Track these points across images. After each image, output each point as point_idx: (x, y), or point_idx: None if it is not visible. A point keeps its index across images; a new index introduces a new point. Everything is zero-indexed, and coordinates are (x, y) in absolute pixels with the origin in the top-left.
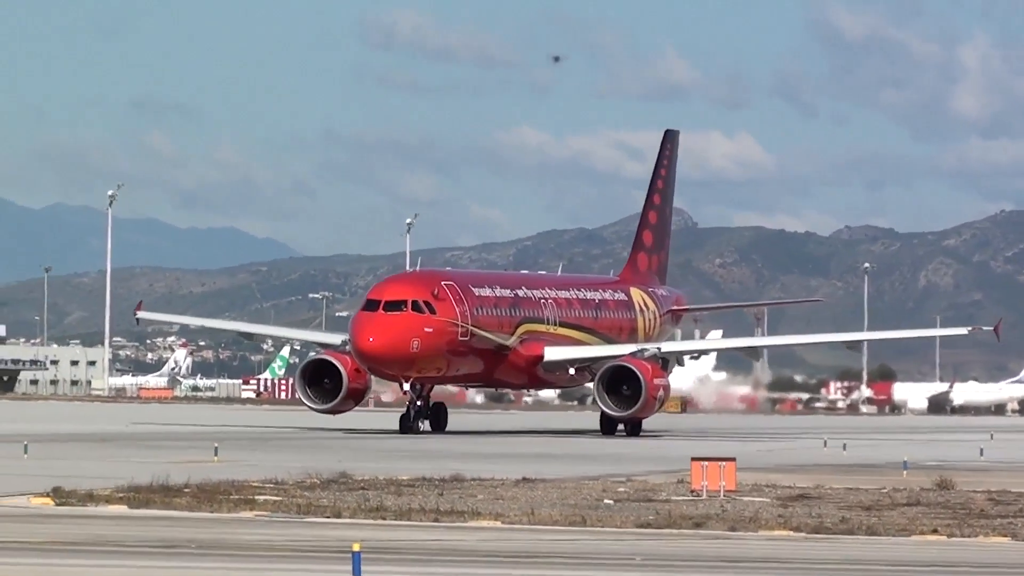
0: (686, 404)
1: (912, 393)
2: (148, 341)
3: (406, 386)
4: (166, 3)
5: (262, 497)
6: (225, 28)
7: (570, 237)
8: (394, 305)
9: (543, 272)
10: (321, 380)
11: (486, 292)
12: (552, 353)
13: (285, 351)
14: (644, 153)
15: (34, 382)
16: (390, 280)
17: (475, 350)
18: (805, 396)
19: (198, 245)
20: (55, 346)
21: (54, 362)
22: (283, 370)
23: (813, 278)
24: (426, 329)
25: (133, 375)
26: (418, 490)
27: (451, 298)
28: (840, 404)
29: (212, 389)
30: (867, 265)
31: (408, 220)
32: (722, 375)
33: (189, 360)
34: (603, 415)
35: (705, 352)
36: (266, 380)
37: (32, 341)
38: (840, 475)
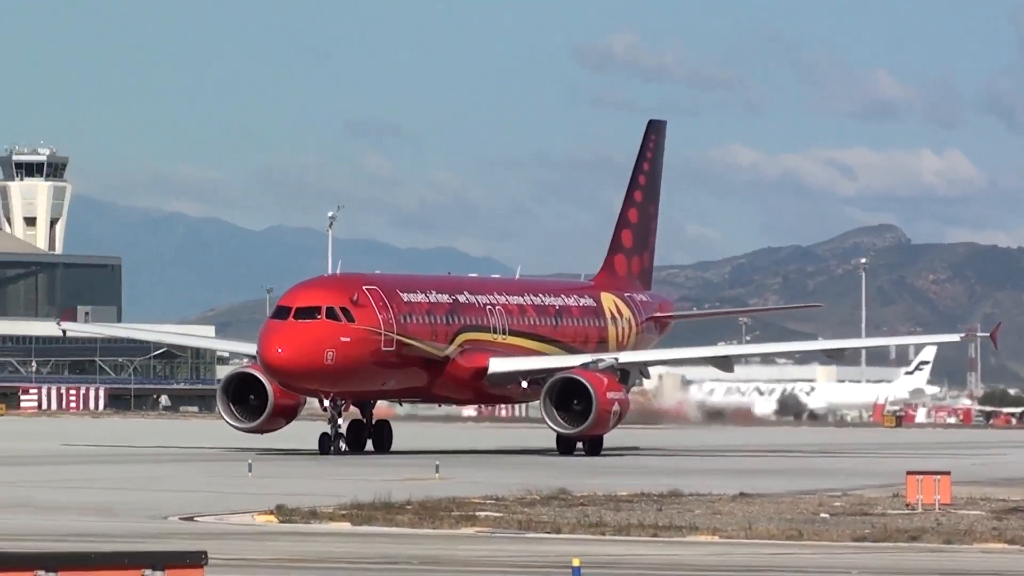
0: (901, 419)
1: None
2: None
3: (327, 403)
4: (380, 27)
5: (483, 513)
6: (440, 52)
7: (785, 254)
8: (306, 312)
9: (497, 276)
10: (247, 397)
11: (417, 298)
12: (498, 365)
13: None
14: (855, 171)
15: None
16: (303, 285)
17: (405, 361)
18: (1019, 410)
19: (417, 265)
20: None
21: None
22: None
23: None
24: (342, 339)
25: None
26: (637, 505)
27: (373, 304)
28: None
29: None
30: None
31: None
32: (935, 389)
33: None
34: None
35: (665, 363)
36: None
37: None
38: None
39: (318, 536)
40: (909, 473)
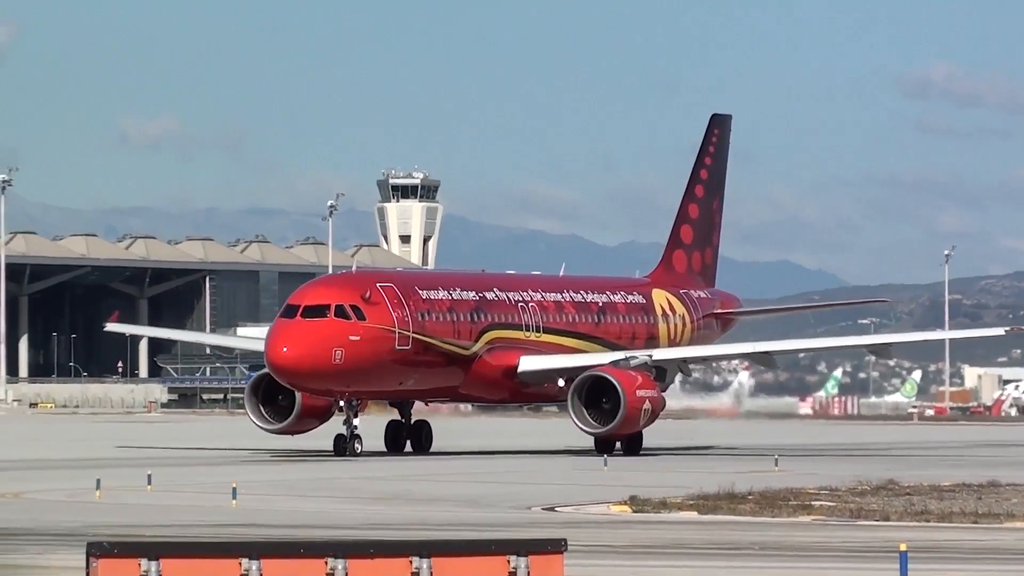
0: None
1: None
2: (714, 364)
3: (342, 403)
4: (724, 62)
5: (818, 503)
6: (776, 81)
7: None
8: (315, 311)
9: (537, 272)
10: (276, 397)
11: (438, 295)
12: (528, 363)
13: (837, 372)
14: None
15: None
16: (313, 283)
17: (425, 360)
18: None
19: (756, 277)
20: None
21: None
22: (836, 389)
23: None
24: (351, 337)
25: (702, 395)
26: (958, 495)
27: (387, 302)
28: None
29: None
30: None
31: (946, 251)
32: None
33: (752, 381)
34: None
35: (704, 359)
36: (821, 398)
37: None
38: None
39: (668, 524)
40: None
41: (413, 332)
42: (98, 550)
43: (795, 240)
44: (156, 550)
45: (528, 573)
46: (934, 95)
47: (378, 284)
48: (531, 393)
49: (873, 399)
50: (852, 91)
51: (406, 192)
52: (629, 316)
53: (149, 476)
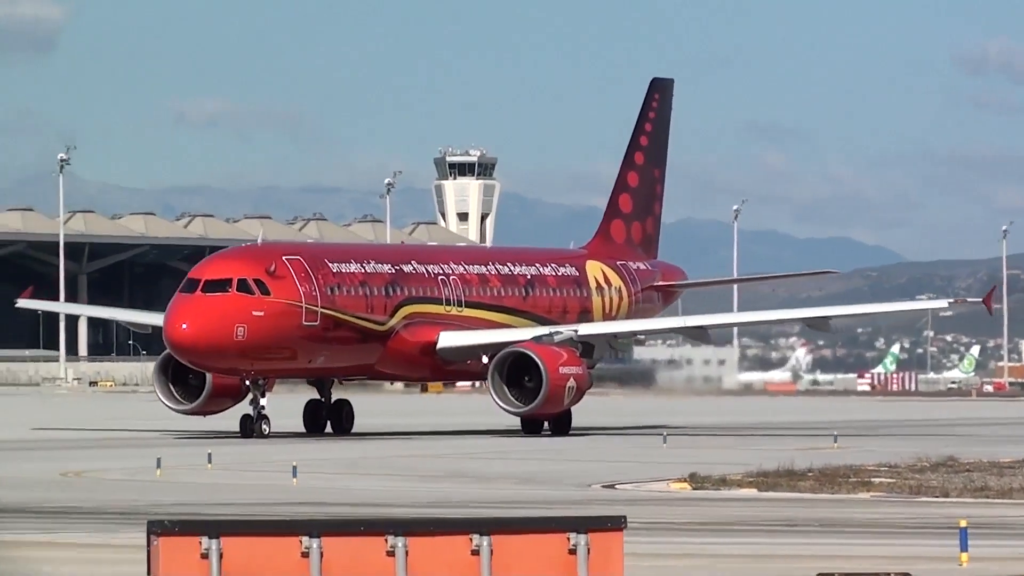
0: None
1: None
2: (771, 341)
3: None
4: (783, 38)
5: (877, 479)
6: (832, 60)
7: None
8: (216, 285)
9: (463, 244)
10: (187, 376)
11: (350, 268)
12: (448, 339)
13: (895, 348)
14: None
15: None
16: (215, 256)
17: (335, 337)
18: None
19: (814, 253)
20: (688, 346)
21: (689, 361)
22: (894, 365)
23: None
24: (255, 313)
25: (760, 371)
26: (1018, 471)
27: (293, 275)
28: None
29: (831, 383)
30: None
31: (1004, 227)
32: None
33: (809, 357)
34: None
35: (633, 334)
36: (879, 374)
37: (668, 342)
38: None
39: (727, 501)
40: None
41: (322, 307)
42: (159, 528)
43: (854, 216)
44: (217, 528)
45: (588, 550)
46: (991, 71)
47: (284, 257)
48: (453, 370)
49: (932, 375)
50: (910, 68)
51: (463, 169)
52: (560, 289)
53: (209, 455)
